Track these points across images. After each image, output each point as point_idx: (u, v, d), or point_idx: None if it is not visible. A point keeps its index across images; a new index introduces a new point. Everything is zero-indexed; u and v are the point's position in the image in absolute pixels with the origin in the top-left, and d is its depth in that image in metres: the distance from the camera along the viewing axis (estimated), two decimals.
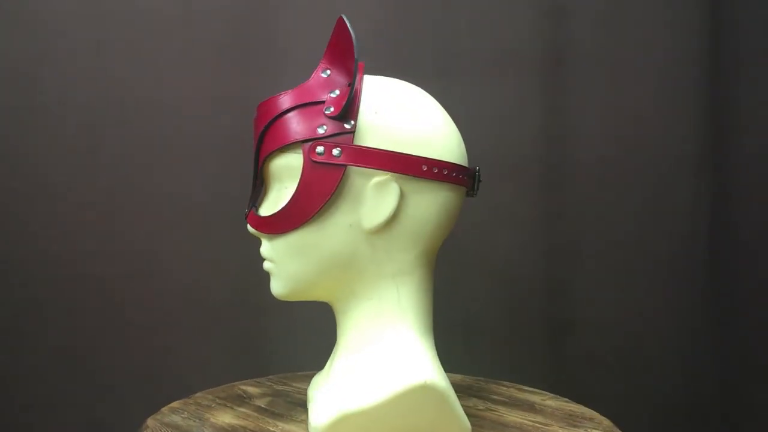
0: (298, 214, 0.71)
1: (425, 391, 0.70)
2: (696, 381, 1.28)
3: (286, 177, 0.73)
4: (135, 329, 1.17)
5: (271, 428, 0.78)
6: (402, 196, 0.71)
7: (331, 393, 0.73)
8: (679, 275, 1.28)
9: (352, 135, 0.70)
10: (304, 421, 0.79)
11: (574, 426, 0.80)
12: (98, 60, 1.15)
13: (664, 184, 1.27)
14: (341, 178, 0.70)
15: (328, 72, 0.73)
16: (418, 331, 0.75)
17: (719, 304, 1.28)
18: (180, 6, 1.16)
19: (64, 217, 1.15)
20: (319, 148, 0.70)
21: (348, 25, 0.70)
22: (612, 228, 1.26)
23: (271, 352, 1.19)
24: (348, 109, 0.70)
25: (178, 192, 1.17)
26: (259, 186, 0.76)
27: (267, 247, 0.75)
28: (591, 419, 0.83)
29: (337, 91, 0.71)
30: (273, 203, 0.74)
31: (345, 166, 0.70)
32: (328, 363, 0.81)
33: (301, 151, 0.70)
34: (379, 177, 0.70)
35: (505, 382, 0.98)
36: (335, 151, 0.69)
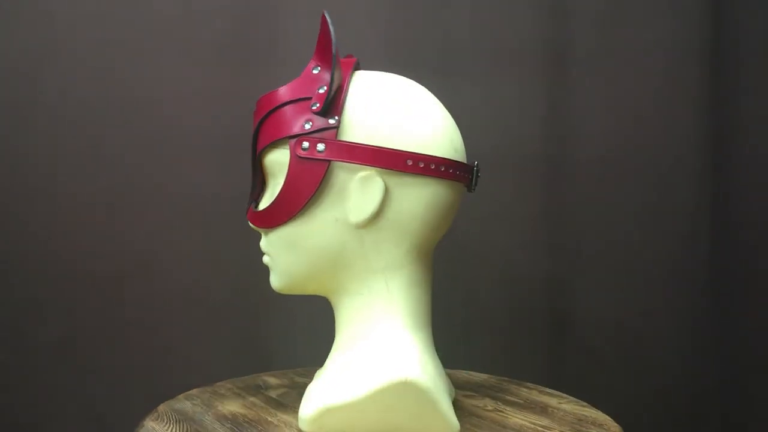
0: (286, 209, 0.72)
1: (405, 387, 0.69)
2: (696, 380, 1.28)
3: (278, 172, 0.74)
4: (135, 327, 1.17)
5: (269, 418, 0.79)
6: (387, 191, 0.71)
7: (320, 386, 0.74)
8: (680, 274, 1.28)
9: (335, 130, 0.70)
10: None
11: (578, 431, 0.77)
12: (99, 59, 1.15)
13: (665, 183, 1.27)
14: (325, 173, 0.70)
15: (318, 68, 0.73)
16: (411, 326, 0.74)
17: (719, 303, 1.28)
18: (181, 4, 1.17)
19: (63, 215, 1.15)
20: (305, 144, 0.71)
21: (328, 20, 0.70)
22: (612, 226, 1.27)
23: (271, 349, 1.19)
24: (331, 105, 0.71)
25: (178, 190, 1.18)
26: (259, 181, 0.78)
27: (264, 242, 0.77)
28: (601, 425, 0.79)
29: (325, 87, 0.72)
30: (269, 198, 0.76)
31: (329, 161, 0.70)
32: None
33: (288, 146, 0.72)
34: (364, 172, 0.70)
35: (529, 384, 0.95)
36: (320, 147, 0.70)
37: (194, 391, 0.90)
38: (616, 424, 0.79)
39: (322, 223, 0.72)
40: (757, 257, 1.22)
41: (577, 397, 0.89)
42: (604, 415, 0.82)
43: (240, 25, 1.17)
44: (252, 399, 0.86)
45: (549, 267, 1.27)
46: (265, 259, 0.78)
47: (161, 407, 0.83)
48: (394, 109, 0.72)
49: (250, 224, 0.77)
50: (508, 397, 0.88)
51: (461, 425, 0.76)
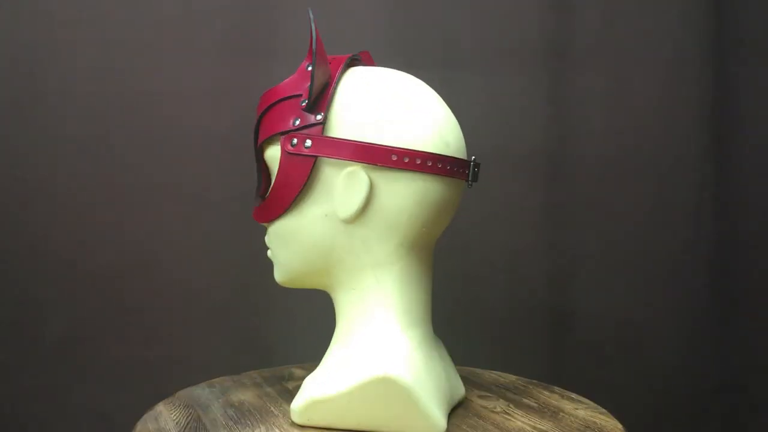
0: (278, 204, 0.74)
1: (386, 384, 0.69)
2: (696, 379, 1.28)
3: (274, 167, 0.76)
4: (135, 326, 1.17)
5: (273, 408, 0.81)
6: (373, 187, 0.71)
7: (313, 379, 0.75)
8: (681, 272, 1.28)
9: (321, 126, 0.71)
10: None
11: None
12: (99, 57, 1.14)
13: (666, 181, 1.27)
14: (312, 169, 0.71)
15: (310, 66, 0.74)
16: (403, 323, 0.74)
17: (720, 303, 1.28)
18: (182, 2, 1.16)
19: (64, 212, 1.15)
20: (294, 140, 0.72)
21: (310, 18, 0.71)
22: (614, 225, 1.26)
23: (272, 346, 1.19)
24: (316, 101, 0.71)
25: (179, 189, 1.17)
26: (264, 176, 0.80)
27: (267, 236, 0.79)
28: None
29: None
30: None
31: (315, 157, 0.71)
32: None
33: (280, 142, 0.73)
34: (350, 168, 0.71)
35: (555, 387, 0.91)
36: (307, 143, 0.71)
37: (218, 379, 0.93)
38: None
39: (312, 219, 0.73)
40: (758, 257, 1.22)
41: (577, 393, 0.87)
42: (616, 422, 0.78)
43: (241, 22, 1.16)
44: (269, 389, 0.89)
45: (550, 265, 1.26)
46: (269, 252, 0.80)
47: (180, 392, 0.88)
48: (383, 105, 0.72)
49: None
50: (525, 400, 0.85)
51: (460, 425, 0.75)
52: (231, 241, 1.17)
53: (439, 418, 0.71)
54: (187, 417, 0.78)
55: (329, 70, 0.73)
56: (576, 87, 1.23)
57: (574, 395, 0.88)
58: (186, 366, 1.15)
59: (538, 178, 1.25)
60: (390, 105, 0.72)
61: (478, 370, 0.99)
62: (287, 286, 0.80)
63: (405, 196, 0.71)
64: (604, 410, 0.82)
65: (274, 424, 0.76)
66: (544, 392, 0.89)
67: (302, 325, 1.18)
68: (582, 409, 0.82)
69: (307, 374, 0.95)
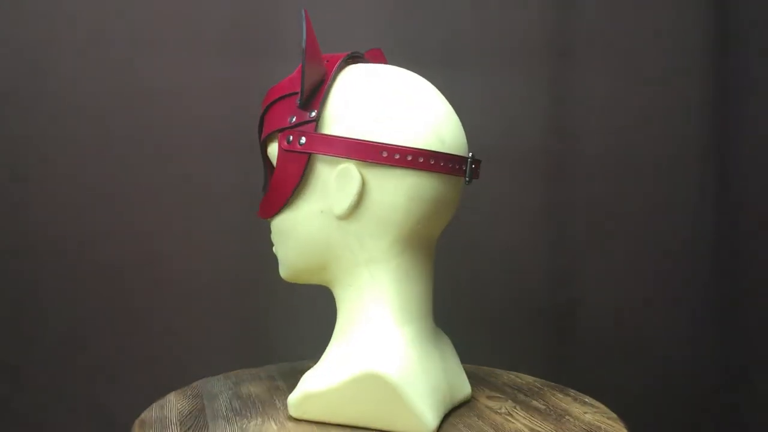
0: (276, 200, 0.75)
1: (374, 380, 0.69)
2: (699, 373, 1.29)
3: (274, 164, 0.77)
4: (137, 323, 1.16)
5: (277, 401, 0.82)
6: (365, 183, 0.71)
7: (310, 373, 0.76)
8: (683, 267, 1.28)
9: (315, 123, 0.72)
10: None
11: None
12: (100, 54, 1.13)
13: (667, 178, 1.27)
14: (306, 166, 0.72)
15: None
16: (399, 320, 0.73)
17: (721, 300, 1.28)
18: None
19: (67, 206, 1.13)
20: (289, 137, 0.73)
21: (303, 17, 0.71)
22: (615, 222, 1.26)
23: (274, 343, 1.19)
24: (309, 99, 0.72)
25: (180, 186, 1.16)
26: (269, 172, 0.81)
27: (271, 232, 0.81)
28: None
29: None
30: None
31: (308, 153, 0.72)
32: None
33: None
34: (342, 164, 0.71)
35: (571, 390, 0.89)
36: (302, 140, 0.72)
37: (236, 372, 0.95)
38: None
39: (308, 215, 0.74)
40: (757, 257, 1.22)
41: (578, 389, 0.86)
42: (621, 427, 0.75)
43: (242, 21, 1.15)
44: (280, 383, 0.90)
45: (551, 262, 1.25)
46: (273, 248, 0.81)
47: (197, 383, 0.90)
48: (376, 101, 0.72)
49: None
50: (534, 402, 0.84)
51: (457, 424, 0.75)
52: (233, 239, 1.17)
53: (428, 417, 0.70)
54: (192, 407, 0.81)
55: (324, 67, 0.74)
56: (576, 86, 1.23)
57: (587, 399, 0.86)
58: (186, 365, 1.13)
59: (538, 177, 1.24)
60: (385, 102, 0.72)
61: (498, 371, 0.97)
62: (290, 281, 0.82)
63: (397, 192, 0.71)
64: (613, 415, 0.80)
65: (271, 417, 0.77)
66: (558, 395, 0.87)
67: (305, 321, 1.18)
68: (591, 414, 0.80)
69: None
